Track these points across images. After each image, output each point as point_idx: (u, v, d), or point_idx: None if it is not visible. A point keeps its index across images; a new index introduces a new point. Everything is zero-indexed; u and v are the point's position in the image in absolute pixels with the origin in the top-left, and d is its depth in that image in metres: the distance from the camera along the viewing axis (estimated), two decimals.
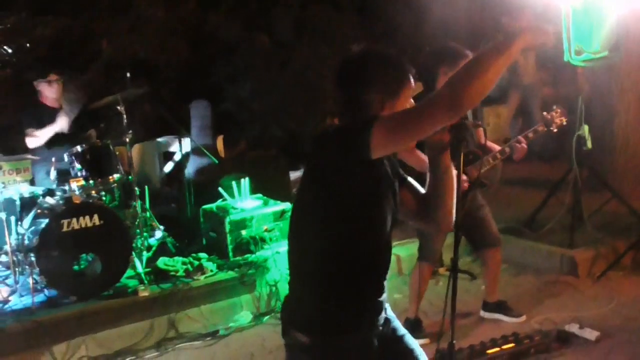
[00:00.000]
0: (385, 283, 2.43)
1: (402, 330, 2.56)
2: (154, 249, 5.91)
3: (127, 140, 5.83)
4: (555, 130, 4.53)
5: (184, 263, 5.54)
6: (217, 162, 6.97)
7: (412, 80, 2.36)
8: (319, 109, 8.75)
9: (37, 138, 6.00)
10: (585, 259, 5.59)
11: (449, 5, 8.64)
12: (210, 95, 8.69)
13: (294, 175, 8.27)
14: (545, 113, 4.62)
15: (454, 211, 2.43)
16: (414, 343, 2.56)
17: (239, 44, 8.84)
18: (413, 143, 2.31)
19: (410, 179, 2.53)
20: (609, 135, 7.06)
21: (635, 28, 6.60)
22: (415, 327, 4.92)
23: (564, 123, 4.53)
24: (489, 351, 4.13)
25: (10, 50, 8.37)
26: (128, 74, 6.07)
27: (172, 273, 5.42)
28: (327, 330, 2.32)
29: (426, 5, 9.50)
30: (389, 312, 2.50)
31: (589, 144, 5.97)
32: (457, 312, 5.09)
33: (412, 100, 2.39)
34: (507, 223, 6.39)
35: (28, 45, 8.29)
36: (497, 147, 4.56)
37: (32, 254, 4.94)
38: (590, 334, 4.34)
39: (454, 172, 2.40)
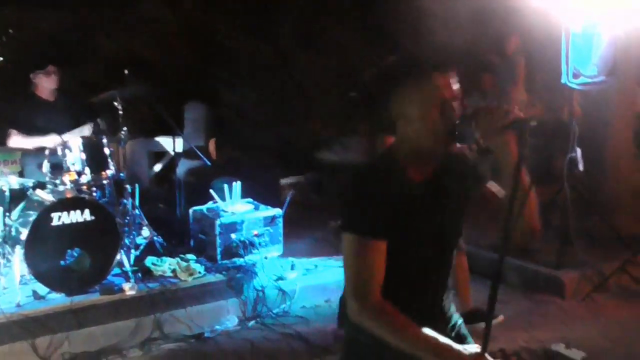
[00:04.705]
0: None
1: None
2: (142, 247, 5.87)
3: (122, 137, 5.80)
4: None
5: (171, 263, 5.52)
6: (209, 164, 6.95)
7: None
8: (315, 119, 8.82)
9: (20, 141, 5.81)
10: (572, 280, 5.62)
11: (451, 25, 8.70)
12: (206, 97, 8.68)
13: (285, 181, 8.29)
14: None
15: None
16: None
17: (240, 50, 8.86)
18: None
19: None
20: (598, 160, 7.09)
21: (628, 54, 6.70)
22: None
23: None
24: None
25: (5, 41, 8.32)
26: (126, 72, 6.05)
27: (160, 273, 5.40)
28: None
29: (430, 24, 9.56)
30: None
31: (581, 167, 6.03)
32: None
33: None
34: (496, 240, 6.42)
35: (26, 38, 8.24)
36: None
37: (19, 246, 4.87)
38: (577, 354, 4.36)
39: None
